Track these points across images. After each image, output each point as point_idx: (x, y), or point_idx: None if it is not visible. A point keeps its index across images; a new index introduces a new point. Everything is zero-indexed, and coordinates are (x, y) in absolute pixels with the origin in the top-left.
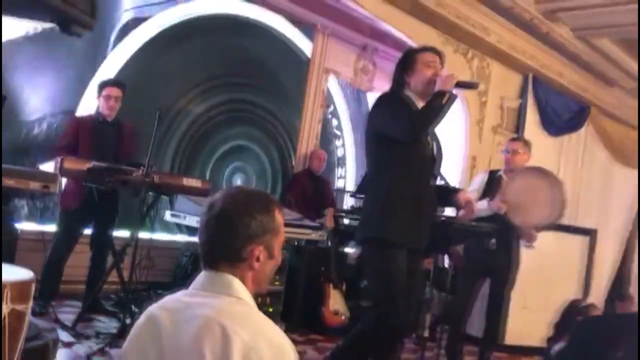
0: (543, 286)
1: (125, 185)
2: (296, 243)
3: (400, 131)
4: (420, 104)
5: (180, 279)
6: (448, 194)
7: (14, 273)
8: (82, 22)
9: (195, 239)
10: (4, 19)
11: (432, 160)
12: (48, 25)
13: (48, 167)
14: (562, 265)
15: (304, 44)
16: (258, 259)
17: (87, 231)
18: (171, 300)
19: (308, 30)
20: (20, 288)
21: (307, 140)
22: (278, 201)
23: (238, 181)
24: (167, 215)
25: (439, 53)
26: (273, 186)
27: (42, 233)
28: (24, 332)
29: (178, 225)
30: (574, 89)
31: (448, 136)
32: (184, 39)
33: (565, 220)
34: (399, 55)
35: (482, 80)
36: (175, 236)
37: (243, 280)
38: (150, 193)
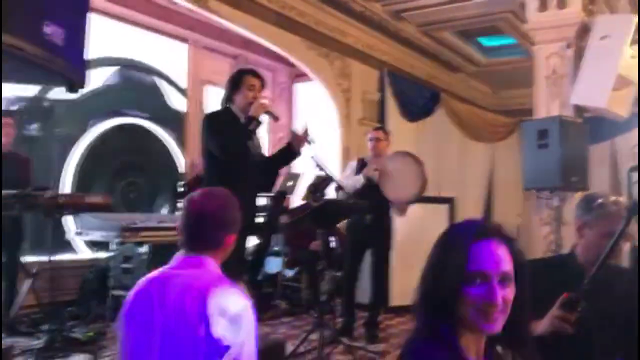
0: (418, 250)
1: (34, 210)
2: None
3: (221, 154)
4: (243, 117)
5: (87, 294)
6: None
7: None
8: (81, 81)
9: (99, 255)
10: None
11: (256, 155)
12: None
13: None
14: (430, 230)
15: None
16: (228, 244)
17: None
18: (157, 274)
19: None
20: None
21: (193, 149)
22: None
23: (130, 196)
24: (72, 234)
25: (259, 77)
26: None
27: None
28: None
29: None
30: (425, 78)
31: (324, 131)
32: None
33: (430, 192)
34: (269, 62)
35: (344, 78)
36: (79, 255)
37: (215, 259)
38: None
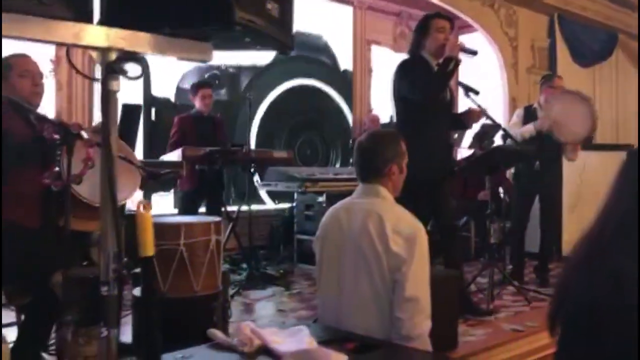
0: (592, 199)
1: (233, 164)
2: None
3: (420, 96)
4: (434, 63)
5: (275, 239)
6: (459, 120)
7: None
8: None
9: (282, 206)
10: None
11: (449, 107)
12: None
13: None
14: (607, 179)
15: None
16: (394, 173)
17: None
18: (345, 203)
19: None
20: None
21: (360, 107)
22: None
23: (307, 152)
24: (260, 186)
25: (449, 19)
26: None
27: None
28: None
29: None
30: (599, 20)
31: (488, 82)
32: None
33: (608, 140)
34: None
35: (510, 26)
36: (267, 205)
37: (386, 187)
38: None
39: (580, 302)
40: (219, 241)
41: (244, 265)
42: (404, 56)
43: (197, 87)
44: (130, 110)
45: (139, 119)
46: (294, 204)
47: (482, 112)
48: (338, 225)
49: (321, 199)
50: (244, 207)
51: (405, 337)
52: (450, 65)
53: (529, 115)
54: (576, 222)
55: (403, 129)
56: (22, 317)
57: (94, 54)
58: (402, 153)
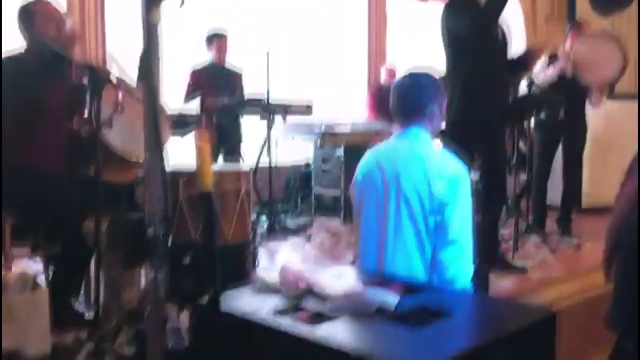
0: (614, 149)
1: (253, 113)
2: None
3: (472, 27)
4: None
5: (292, 192)
6: (519, 62)
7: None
8: None
9: (299, 161)
10: None
11: (504, 47)
12: None
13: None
14: (629, 129)
15: None
16: (435, 115)
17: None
18: (383, 146)
19: None
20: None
21: (376, 58)
22: None
23: None
24: (278, 139)
25: None
26: None
27: None
28: None
29: None
30: None
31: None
32: None
33: (630, 89)
34: None
35: None
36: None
37: (427, 129)
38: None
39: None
40: (248, 190)
41: (264, 218)
42: (418, 5)
43: (212, 38)
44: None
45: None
46: (312, 158)
47: (542, 50)
48: (378, 169)
49: (339, 152)
50: (265, 160)
51: (448, 281)
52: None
53: (553, 62)
54: (598, 174)
55: (457, 72)
56: (51, 269)
57: None
58: (442, 93)
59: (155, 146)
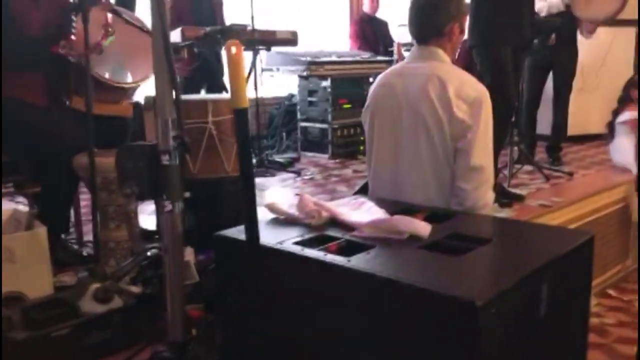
0: (599, 75)
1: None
2: (371, 79)
3: None
4: None
5: (277, 127)
6: None
7: None
8: None
9: (282, 94)
10: None
11: None
12: None
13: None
14: (614, 55)
15: None
16: (454, 34)
17: None
18: (397, 68)
19: None
20: None
21: None
22: None
23: None
24: (259, 70)
25: None
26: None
27: None
28: None
29: None
30: None
31: None
32: None
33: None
34: None
35: None
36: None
37: (445, 50)
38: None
39: None
40: None
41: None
42: None
43: None
44: None
45: None
46: (296, 90)
47: None
48: (392, 92)
49: (326, 83)
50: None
51: (470, 208)
52: None
53: None
54: (581, 102)
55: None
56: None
57: None
58: (464, 11)
59: (165, 68)
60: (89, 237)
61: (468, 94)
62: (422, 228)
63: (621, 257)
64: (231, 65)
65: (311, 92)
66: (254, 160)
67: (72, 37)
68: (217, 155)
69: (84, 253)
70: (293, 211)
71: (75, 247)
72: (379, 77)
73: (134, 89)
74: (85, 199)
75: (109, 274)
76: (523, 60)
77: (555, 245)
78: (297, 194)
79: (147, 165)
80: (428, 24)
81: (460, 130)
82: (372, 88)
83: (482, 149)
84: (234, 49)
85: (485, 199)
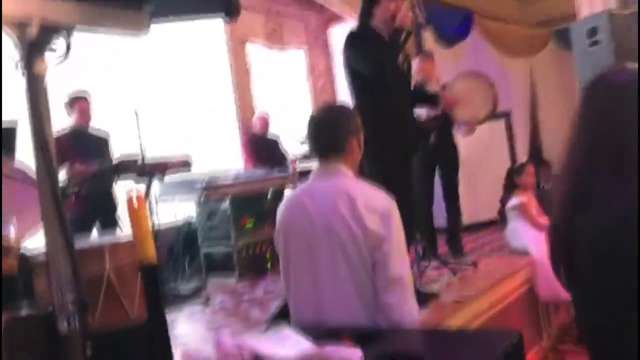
0: (481, 167)
1: (129, 176)
2: (270, 192)
3: (371, 68)
4: (384, 33)
5: (177, 255)
6: (425, 97)
7: None
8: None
9: (178, 221)
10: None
11: (407, 79)
12: None
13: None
14: (492, 146)
15: None
16: (354, 149)
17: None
18: (305, 188)
19: None
20: None
21: (244, 108)
22: None
23: None
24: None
25: None
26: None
27: None
28: None
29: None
30: (454, 2)
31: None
32: None
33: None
34: (299, 12)
35: None
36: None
37: (346, 164)
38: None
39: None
40: None
41: None
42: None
43: (73, 100)
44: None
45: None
46: (194, 215)
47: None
48: (303, 212)
49: (225, 205)
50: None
51: (396, 323)
52: (401, 36)
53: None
54: (470, 192)
55: (362, 105)
56: None
57: (8, 30)
58: (360, 127)
59: (56, 220)
60: None
61: (377, 206)
62: (353, 355)
63: (537, 338)
64: (134, 220)
65: (210, 215)
66: None
67: None
68: (118, 303)
69: None
70: (212, 359)
71: None
72: (287, 198)
73: (19, 245)
74: None
75: None
76: (410, 168)
77: (487, 352)
78: (214, 338)
79: (42, 339)
80: (328, 140)
81: (375, 241)
82: (281, 210)
83: (398, 259)
84: (135, 200)
85: (411, 314)
